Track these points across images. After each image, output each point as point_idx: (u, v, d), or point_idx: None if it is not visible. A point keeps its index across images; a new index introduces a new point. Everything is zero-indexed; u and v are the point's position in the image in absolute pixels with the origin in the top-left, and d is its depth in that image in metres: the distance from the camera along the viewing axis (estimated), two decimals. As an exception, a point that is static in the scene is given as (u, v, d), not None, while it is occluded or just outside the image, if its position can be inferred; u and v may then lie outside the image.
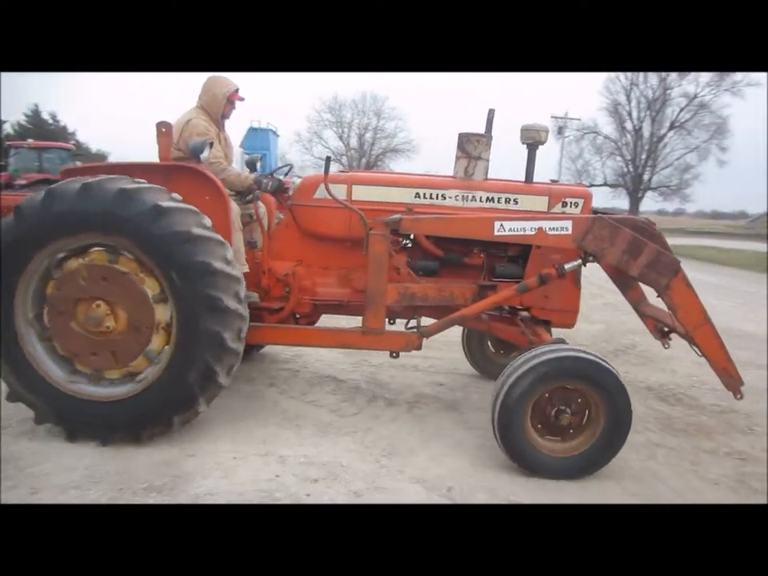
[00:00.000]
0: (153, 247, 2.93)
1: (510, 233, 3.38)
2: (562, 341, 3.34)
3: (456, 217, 3.51)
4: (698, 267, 15.06)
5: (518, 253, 3.73)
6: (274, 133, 24.11)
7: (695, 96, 36.82)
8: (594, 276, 5.82)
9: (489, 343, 4.68)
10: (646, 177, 38.76)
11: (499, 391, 3.02)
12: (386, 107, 43.28)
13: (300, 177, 4.15)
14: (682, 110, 37.50)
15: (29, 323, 3.11)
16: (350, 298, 3.73)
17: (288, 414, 3.70)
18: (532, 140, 3.71)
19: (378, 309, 3.45)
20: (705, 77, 35.82)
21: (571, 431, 3.09)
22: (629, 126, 38.69)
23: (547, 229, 3.32)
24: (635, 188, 38.55)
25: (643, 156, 38.76)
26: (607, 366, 2.98)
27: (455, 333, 4.48)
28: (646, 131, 38.54)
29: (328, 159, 3.53)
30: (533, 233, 3.35)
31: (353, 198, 3.58)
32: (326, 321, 4.16)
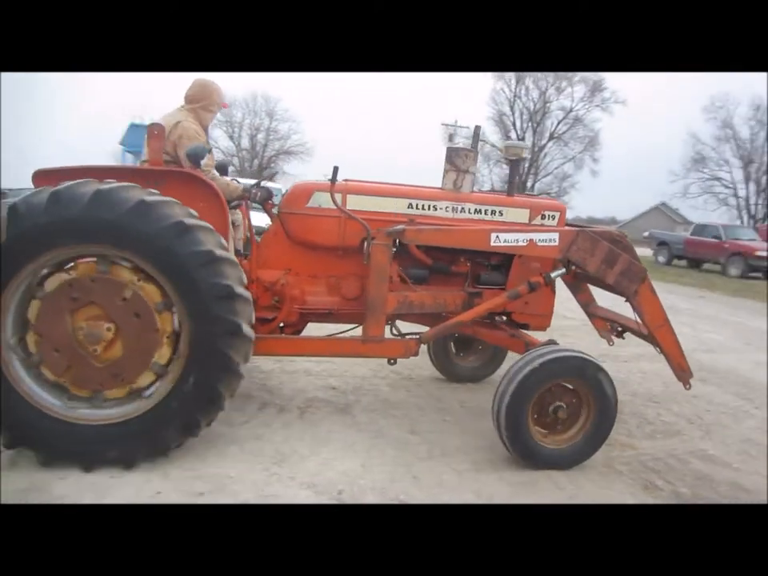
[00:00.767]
0: (171, 265, 2.74)
1: (505, 243, 3.54)
2: (554, 342, 3.56)
3: (456, 228, 3.62)
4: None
5: (500, 261, 3.92)
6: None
7: (571, 110, 39.84)
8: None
9: (451, 346, 4.81)
10: (529, 184, 41.26)
11: (505, 390, 3.20)
12: (279, 108, 42.83)
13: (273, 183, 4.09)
14: (559, 122, 40.50)
15: (10, 349, 2.78)
16: (339, 306, 3.71)
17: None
18: (516, 156, 3.98)
19: (379, 317, 3.49)
20: (579, 92, 38.85)
21: (565, 424, 3.35)
22: (513, 135, 41.00)
23: (537, 240, 3.54)
24: (520, 194, 40.88)
25: (526, 165, 41.21)
26: (598, 363, 3.29)
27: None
28: (529, 141, 41.05)
29: (335, 169, 3.45)
30: (525, 244, 3.54)
31: (348, 207, 3.57)
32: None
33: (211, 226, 2.90)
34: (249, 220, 3.83)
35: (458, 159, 3.82)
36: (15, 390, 2.78)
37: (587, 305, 4.31)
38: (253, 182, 3.92)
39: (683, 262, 21.28)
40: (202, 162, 3.21)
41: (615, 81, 41.51)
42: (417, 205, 3.71)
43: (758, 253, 17.82)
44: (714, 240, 19.39)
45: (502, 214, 3.85)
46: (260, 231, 3.88)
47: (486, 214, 3.82)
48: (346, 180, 3.73)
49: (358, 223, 3.52)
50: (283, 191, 3.91)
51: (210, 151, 3.33)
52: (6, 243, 2.62)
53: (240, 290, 2.87)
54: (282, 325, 3.69)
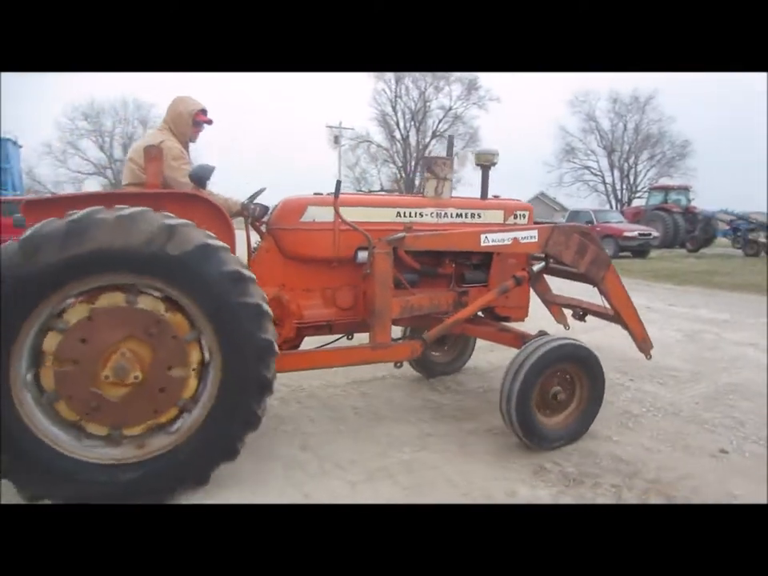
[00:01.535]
0: (201, 288, 2.65)
1: (493, 243, 3.80)
2: (545, 333, 3.79)
3: (451, 232, 3.82)
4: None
5: (481, 260, 4.17)
6: (14, 143, 21.00)
7: (450, 108, 41.21)
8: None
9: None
10: (417, 182, 42.24)
11: (514, 379, 3.45)
12: (153, 115, 40.63)
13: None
14: (440, 120, 41.75)
15: (25, 386, 2.56)
16: (335, 317, 3.76)
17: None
18: (488, 162, 4.25)
19: (386, 323, 3.61)
20: (456, 91, 40.29)
21: (563, 405, 3.67)
22: (397, 135, 41.87)
23: (520, 238, 3.84)
24: (408, 192, 41.78)
25: (413, 163, 42.22)
26: (589, 348, 3.65)
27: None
28: (413, 140, 42.16)
29: (338, 183, 3.51)
30: (510, 242, 3.83)
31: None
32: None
33: (228, 246, 2.81)
34: (249, 237, 3.69)
35: (436, 168, 4.04)
36: (33, 432, 2.56)
37: (544, 294, 4.56)
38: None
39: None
40: (184, 180, 3.18)
41: (488, 80, 43.51)
42: (404, 213, 3.87)
43: (626, 234, 19.38)
44: (587, 225, 20.82)
45: (480, 216, 4.13)
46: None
47: (466, 217, 4.07)
48: (317, 193, 3.81)
49: (351, 234, 3.58)
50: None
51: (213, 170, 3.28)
52: (25, 276, 2.42)
53: (266, 307, 2.82)
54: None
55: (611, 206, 39.24)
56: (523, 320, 4.40)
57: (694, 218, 21.05)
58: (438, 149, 42.84)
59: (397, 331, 4.26)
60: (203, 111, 3.68)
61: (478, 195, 4.34)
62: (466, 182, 41.59)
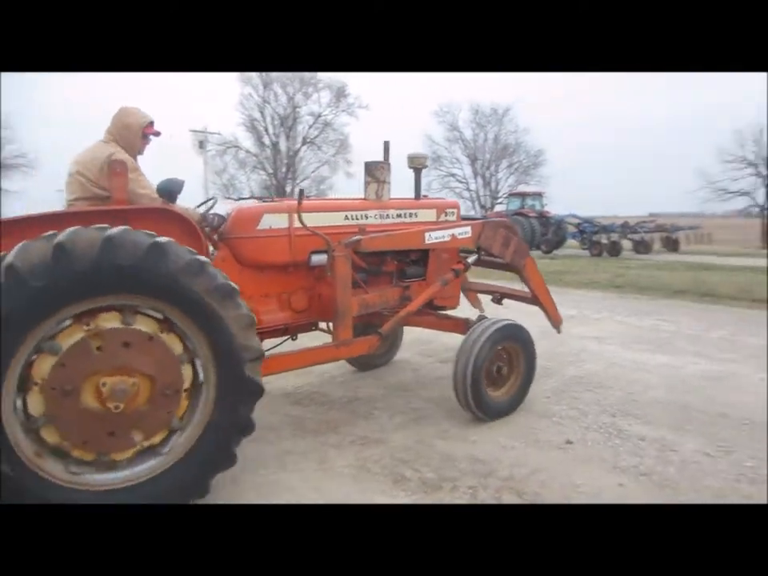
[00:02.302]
0: (195, 305, 2.66)
1: (436, 240, 4.15)
2: (485, 317, 4.33)
3: (401, 232, 4.11)
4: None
5: (418, 257, 4.49)
6: None
7: (320, 115, 41.15)
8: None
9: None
10: (288, 188, 41.64)
11: (468, 359, 3.88)
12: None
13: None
14: (310, 127, 41.48)
15: (14, 413, 2.42)
16: (291, 320, 3.92)
17: None
18: (420, 165, 4.58)
19: (348, 322, 3.78)
20: (325, 98, 40.32)
21: (504, 379, 4.22)
22: (267, 140, 40.97)
23: (457, 234, 4.24)
24: (280, 198, 41.03)
25: (283, 169, 41.56)
26: (523, 326, 4.24)
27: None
28: (283, 146, 41.39)
29: (301, 192, 3.68)
30: (449, 238, 4.20)
31: (295, 225, 3.71)
32: None
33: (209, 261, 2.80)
34: (208, 247, 3.52)
35: (377, 172, 4.29)
36: (23, 461, 2.43)
37: (462, 282, 4.91)
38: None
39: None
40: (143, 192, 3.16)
41: (356, 87, 44.07)
42: (352, 216, 4.09)
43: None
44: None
45: (416, 216, 4.46)
46: None
47: (405, 217, 4.39)
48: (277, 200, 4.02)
49: (305, 239, 3.73)
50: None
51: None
52: (17, 301, 2.30)
53: (253, 316, 2.88)
54: None
55: (476, 212, 41.36)
56: (455, 308, 4.81)
57: (547, 221, 22.72)
58: (308, 156, 42.65)
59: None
60: (151, 123, 3.49)
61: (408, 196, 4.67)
62: (338, 189, 41.89)
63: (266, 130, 40.96)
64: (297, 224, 3.65)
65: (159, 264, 2.53)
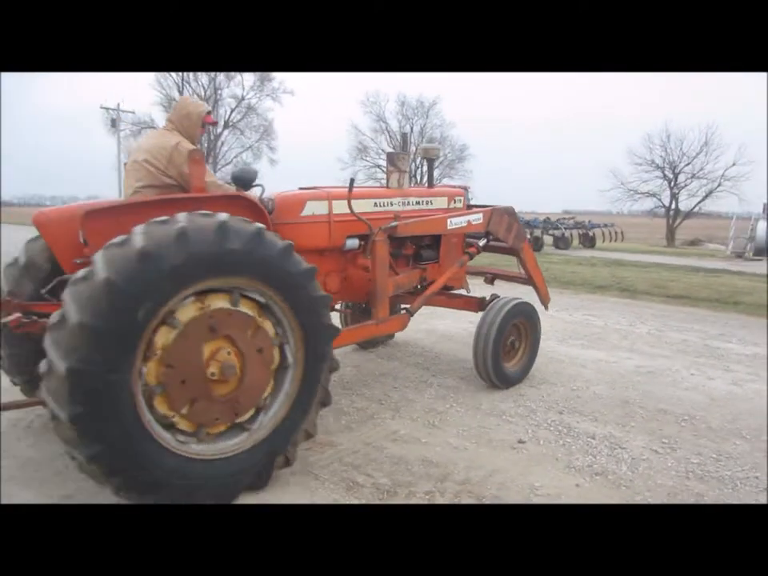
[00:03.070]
0: (289, 287, 2.88)
1: (455, 226, 4.54)
2: (497, 296, 4.82)
3: (430, 218, 4.45)
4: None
5: (431, 242, 4.81)
6: None
7: (243, 98, 39.80)
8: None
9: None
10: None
11: (488, 333, 4.44)
12: None
13: None
14: (233, 110, 40.05)
15: (139, 380, 2.53)
16: None
17: None
18: (433, 155, 5.02)
19: (385, 301, 4.10)
20: (249, 81, 38.98)
21: (515, 351, 4.82)
22: (186, 123, 39.07)
23: (472, 220, 4.66)
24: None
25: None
26: (530, 303, 4.83)
27: None
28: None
29: (352, 181, 3.94)
30: (466, 224, 4.62)
31: (333, 212, 3.96)
32: None
33: None
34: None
35: (399, 162, 4.56)
36: (148, 430, 2.57)
37: None
38: None
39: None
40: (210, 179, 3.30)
41: (281, 72, 42.97)
42: (380, 203, 4.29)
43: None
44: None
45: (432, 203, 4.73)
46: None
47: (422, 204, 4.65)
48: (314, 188, 4.09)
49: (343, 225, 3.98)
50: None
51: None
52: (155, 276, 2.45)
53: (330, 297, 3.12)
54: None
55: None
56: (461, 288, 5.21)
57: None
58: (230, 140, 41.19)
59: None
60: (209, 113, 3.65)
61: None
62: (261, 176, 40.72)
63: (186, 111, 39.03)
64: (336, 210, 3.96)
65: (259, 248, 2.74)
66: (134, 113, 36.88)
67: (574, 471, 3.34)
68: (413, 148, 44.71)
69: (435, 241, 4.81)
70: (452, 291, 5.18)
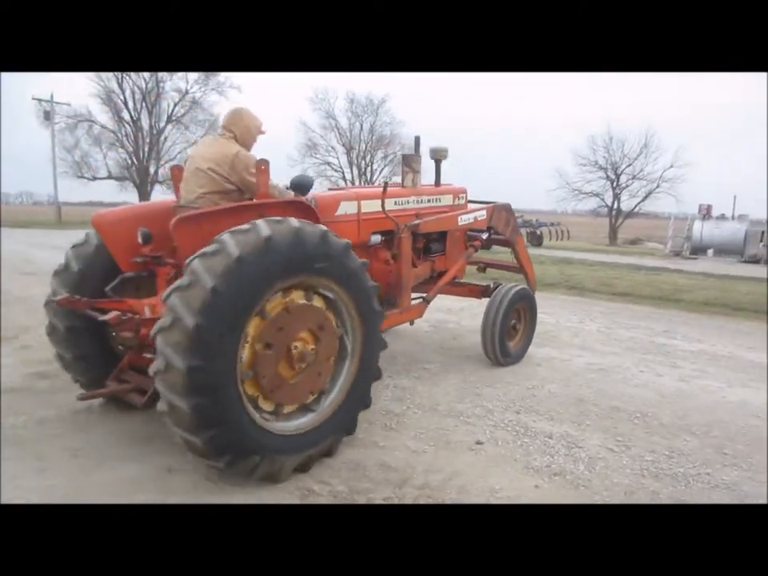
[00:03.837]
0: (351, 281, 3.29)
1: (464, 222, 5.24)
2: (500, 283, 5.45)
3: (445, 216, 5.07)
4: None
5: (438, 236, 5.22)
6: None
7: (187, 92, 38.53)
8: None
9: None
10: (152, 169, 38.70)
11: (495, 316, 5.04)
12: None
13: None
14: (176, 104, 38.70)
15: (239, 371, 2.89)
16: None
17: None
18: (442, 157, 5.27)
19: (409, 291, 4.64)
20: (193, 74, 37.77)
21: (516, 332, 5.44)
22: (126, 116, 37.58)
23: (478, 217, 5.35)
24: (142, 181, 37.94)
25: (146, 148, 38.46)
26: (528, 288, 5.51)
27: None
28: (145, 123, 38.18)
29: (386, 183, 4.33)
30: (472, 220, 5.30)
31: (362, 211, 4.37)
32: None
33: None
34: None
35: (413, 163, 5.02)
36: (247, 411, 2.94)
37: None
38: None
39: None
40: (273, 184, 3.58)
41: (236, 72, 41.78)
42: (399, 202, 4.71)
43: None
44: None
45: (440, 201, 5.21)
46: None
47: (432, 202, 5.11)
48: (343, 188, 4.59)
49: (369, 222, 4.41)
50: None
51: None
52: (265, 268, 2.86)
53: (377, 286, 3.54)
54: None
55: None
56: (463, 277, 5.75)
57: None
58: (174, 135, 39.83)
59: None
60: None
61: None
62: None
63: (126, 104, 37.49)
64: (364, 210, 4.36)
65: (328, 248, 3.12)
66: (69, 105, 35.13)
67: (532, 472, 3.31)
68: (362, 145, 44.76)
69: (441, 235, 5.25)
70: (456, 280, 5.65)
